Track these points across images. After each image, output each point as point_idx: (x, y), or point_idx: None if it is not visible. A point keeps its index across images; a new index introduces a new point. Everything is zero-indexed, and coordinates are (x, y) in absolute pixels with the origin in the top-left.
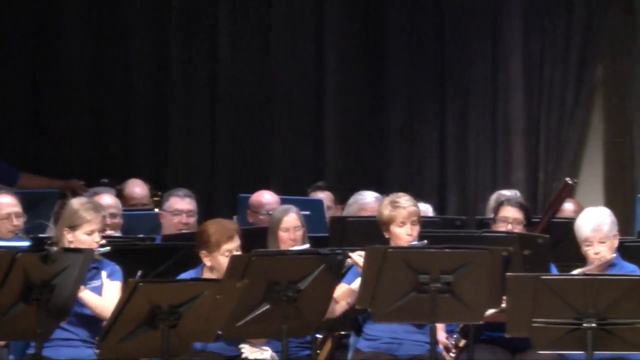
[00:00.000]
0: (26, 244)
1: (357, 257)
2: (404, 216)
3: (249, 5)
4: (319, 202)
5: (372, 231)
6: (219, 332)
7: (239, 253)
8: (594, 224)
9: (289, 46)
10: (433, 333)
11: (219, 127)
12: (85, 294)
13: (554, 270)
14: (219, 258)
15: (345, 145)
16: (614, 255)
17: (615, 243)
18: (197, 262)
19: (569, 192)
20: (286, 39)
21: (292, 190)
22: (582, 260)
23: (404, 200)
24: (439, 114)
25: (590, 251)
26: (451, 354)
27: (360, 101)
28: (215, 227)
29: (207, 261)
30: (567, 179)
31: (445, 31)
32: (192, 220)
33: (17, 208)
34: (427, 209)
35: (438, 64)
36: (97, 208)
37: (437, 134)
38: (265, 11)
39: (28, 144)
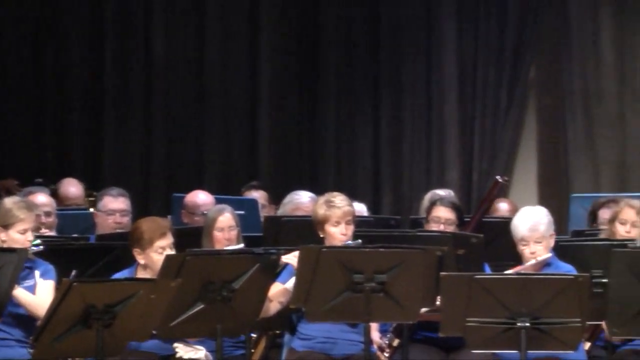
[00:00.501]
0: None
1: (292, 257)
2: (338, 216)
3: (183, 7)
4: (254, 202)
5: (306, 231)
6: (154, 332)
7: (172, 250)
8: (531, 223)
9: (224, 47)
10: (367, 332)
11: (153, 128)
12: (19, 292)
13: (487, 269)
14: (152, 255)
15: (280, 144)
16: (550, 254)
17: (552, 243)
18: (131, 262)
19: (499, 190)
20: (220, 40)
21: (226, 189)
22: (515, 259)
23: (339, 199)
24: (373, 114)
25: (526, 250)
26: (385, 354)
27: (295, 101)
28: (147, 224)
29: (141, 259)
30: (498, 177)
31: (380, 32)
32: (126, 219)
33: None
34: (362, 209)
35: (372, 65)
36: (30, 207)
37: (372, 134)
38: (200, 13)
39: None
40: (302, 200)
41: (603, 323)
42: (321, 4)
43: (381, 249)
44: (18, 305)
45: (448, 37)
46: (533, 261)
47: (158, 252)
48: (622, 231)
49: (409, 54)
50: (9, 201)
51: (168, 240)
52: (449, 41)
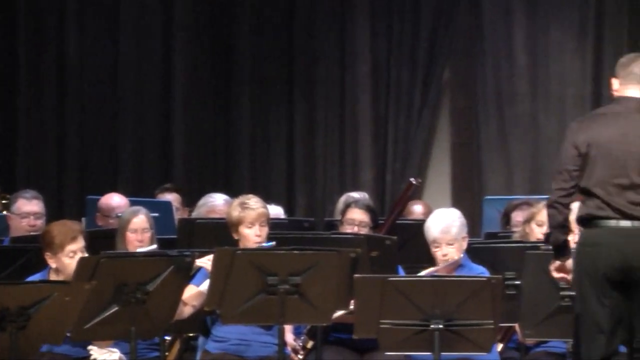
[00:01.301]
0: None
1: (206, 260)
2: (252, 218)
3: (97, 10)
4: (168, 204)
5: (221, 233)
6: (68, 334)
7: (83, 254)
8: (443, 225)
9: (137, 49)
10: (281, 334)
11: (67, 130)
12: None
13: (401, 271)
14: (64, 259)
15: (193, 146)
16: (462, 256)
17: (464, 245)
18: (45, 265)
19: (413, 192)
20: (134, 42)
21: (140, 192)
22: (429, 261)
23: (253, 201)
24: (286, 116)
25: (438, 252)
26: (299, 356)
27: (208, 102)
28: (58, 228)
29: (52, 263)
30: (412, 179)
31: (293, 32)
32: (40, 222)
33: None
34: (279, 212)
35: (286, 65)
36: None
37: (285, 135)
38: (114, 16)
39: None
40: (216, 202)
41: (516, 325)
42: (235, 3)
43: (295, 251)
44: None
45: (361, 37)
46: (446, 263)
47: (69, 256)
48: (538, 233)
49: (322, 55)
50: None
51: (79, 244)
52: (362, 42)
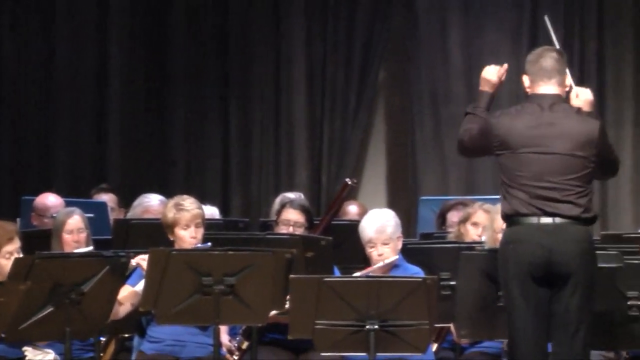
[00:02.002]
0: None
1: (141, 260)
2: (187, 219)
3: (31, 9)
4: (103, 205)
5: (156, 233)
6: (2, 335)
7: (19, 255)
8: (378, 225)
9: (72, 48)
10: (216, 335)
11: (1, 129)
12: None
13: (336, 272)
14: (0, 261)
15: (129, 147)
16: (397, 256)
17: (399, 245)
18: None
19: (348, 192)
20: (69, 41)
21: (75, 192)
22: (364, 262)
23: (188, 202)
24: (222, 116)
25: (373, 252)
26: (234, 356)
27: (143, 103)
28: None
29: None
30: (347, 179)
31: (229, 33)
32: None
33: None
34: (214, 212)
35: (221, 66)
36: None
37: (220, 136)
38: (49, 14)
39: None
40: (151, 203)
41: (451, 325)
42: (170, 4)
43: (230, 252)
44: None
45: (297, 37)
46: (381, 263)
47: (5, 257)
48: (473, 234)
49: (257, 56)
50: None
51: (15, 244)
52: (297, 42)
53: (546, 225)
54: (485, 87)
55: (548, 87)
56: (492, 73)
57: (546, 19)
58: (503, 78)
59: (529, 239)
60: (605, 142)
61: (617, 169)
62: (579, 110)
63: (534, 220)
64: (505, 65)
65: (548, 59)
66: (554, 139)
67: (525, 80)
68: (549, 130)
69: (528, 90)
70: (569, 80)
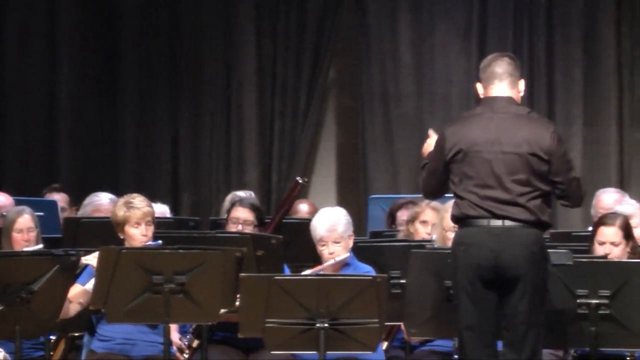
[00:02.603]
0: None
1: (92, 258)
2: (138, 217)
3: None
4: (53, 203)
5: (106, 232)
6: None
7: None
8: (329, 224)
9: (22, 48)
10: (167, 333)
11: None
12: None
13: (287, 270)
14: None
15: (79, 145)
16: (348, 255)
17: (350, 243)
18: None
19: (299, 191)
20: (19, 41)
21: (25, 191)
22: (315, 260)
23: (138, 201)
24: (172, 115)
25: (324, 251)
26: (185, 355)
27: (94, 102)
28: None
29: None
30: (298, 178)
31: (179, 31)
32: None
33: None
34: (165, 210)
35: (171, 65)
36: None
37: (171, 134)
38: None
39: None
40: (102, 201)
41: (401, 323)
42: (120, 2)
43: (180, 250)
44: None
45: (247, 36)
46: (332, 262)
47: None
48: (422, 232)
49: (207, 54)
50: None
51: None
52: (247, 40)
53: (495, 228)
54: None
55: (499, 90)
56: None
57: None
58: None
59: (478, 242)
60: (558, 146)
61: (578, 191)
62: (530, 112)
63: (483, 222)
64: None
65: (500, 63)
66: (506, 140)
67: (479, 87)
68: (501, 131)
69: (482, 96)
70: (522, 85)
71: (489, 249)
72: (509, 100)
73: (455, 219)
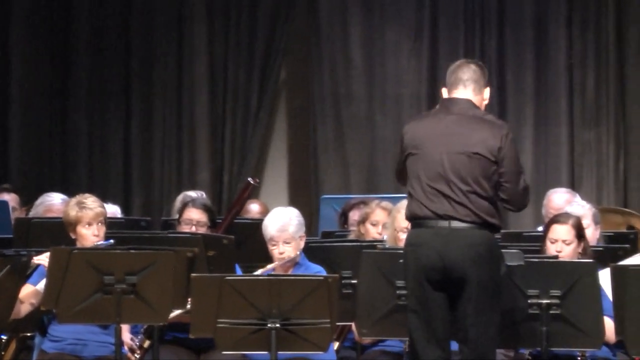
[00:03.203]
0: None
1: (43, 259)
2: (90, 217)
3: None
4: (4, 204)
5: (58, 232)
6: None
7: None
8: (280, 224)
9: None
10: (118, 334)
11: None
12: None
13: (238, 271)
14: None
15: (30, 145)
16: (299, 254)
17: (302, 244)
18: None
19: (250, 191)
20: None
21: None
22: (266, 260)
23: (90, 201)
24: (124, 116)
25: (275, 251)
26: (136, 355)
27: (45, 102)
28: None
29: None
30: (249, 178)
31: (131, 31)
32: None
33: None
34: (116, 210)
35: (123, 66)
36: None
37: (122, 134)
38: None
39: None
40: (53, 202)
41: (352, 324)
42: (71, 5)
43: (132, 251)
44: None
45: (198, 37)
46: (283, 262)
47: None
48: (373, 232)
49: (159, 55)
50: None
51: None
52: (199, 41)
53: (442, 229)
54: None
55: (461, 93)
56: None
57: None
58: None
59: (426, 243)
60: (510, 149)
61: (522, 196)
62: (485, 114)
63: (431, 223)
64: None
65: (465, 70)
66: (457, 141)
67: (444, 92)
68: (452, 132)
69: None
70: (487, 93)
71: (436, 250)
72: (467, 102)
73: (407, 217)
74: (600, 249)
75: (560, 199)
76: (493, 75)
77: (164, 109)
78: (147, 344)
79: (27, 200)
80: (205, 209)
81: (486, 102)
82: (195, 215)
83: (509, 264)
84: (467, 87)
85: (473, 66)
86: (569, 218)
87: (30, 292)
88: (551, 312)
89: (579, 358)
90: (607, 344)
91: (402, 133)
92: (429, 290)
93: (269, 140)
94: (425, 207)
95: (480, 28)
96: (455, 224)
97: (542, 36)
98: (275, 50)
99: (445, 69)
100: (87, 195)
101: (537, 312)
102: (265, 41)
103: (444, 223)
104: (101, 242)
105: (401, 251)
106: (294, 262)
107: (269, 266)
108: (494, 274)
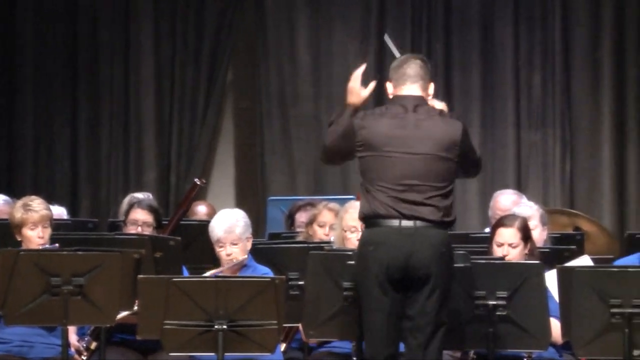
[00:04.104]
0: None
1: None
2: (35, 219)
3: None
4: None
5: (3, 234)
6: None
7: None
8: (227, 225)
9: None
10: (65, 336)
11: None
12: None
13: (185, 272)
14: None
15: None
16: (247, 257)
17: (249, 245)
18: None
19: (197, 193)
20: None
21: None
22: (214, 262)
23: (36, 203)
24: (70, 116)
25: (223, 252)
26: (83, 357)
27: None
28: None
29: None
30: (196, 179)
31: (77, 32)
32: None
33: None
34: (62, 212)
35: (69, 66)
36: None
37: (69, 136)
38: None
39: None
40: None
41: (299, 325)
42: (17, 5)
43: (79, 252)
44: None
45: (145, 37)
46: (230, 264)
47: None
48: (320, 234)
49: (106, 56)
50: None
51: None
52: (146, 42)
53: (407, 228)
54: (352, 100)
55: (411, 90)
56: (356, 83)
57: (386, 37)
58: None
59: (389, 242)
60: (468, 142)
61: (479, 168)
62: (441, 112)
63: (394, 223)
64: (363, 66)
65: (412, 64)
66: (418, 140)
67: (389, 86)
68: (413, 132)
69: (391, 95)
70: (432, 89)
71: (401, 249)
72: (420, 99)
73: (364, 216)
74: (547, 250)
75: (506, 200)
76: (440, 76)
77: (111, 110)
78: (94, 345)
79: None
80: (151, 210)
81: (431, 97)
82: (141, 216)
83: (456, 265)
84: (415, 83)
85: (419, 61)
86: (515, 220)
87: None
88: (498, 313)
89: (525, 359)
90: (553, 345)
91: (357, 123)
92: (388, 288)
93: (216, 141)
94: (389, 206)
95: (427, 29)
96: (420, 223)
97: (488, 37)
98: (222, 50)
99: None
100: (33, 197)
101: (483, 313)
102: (212, 42)
103: (409, 223)
104: (46, 246)
105: (348, 252)
106: (241, 264)
107: (217, 269)
108: (451, 274)
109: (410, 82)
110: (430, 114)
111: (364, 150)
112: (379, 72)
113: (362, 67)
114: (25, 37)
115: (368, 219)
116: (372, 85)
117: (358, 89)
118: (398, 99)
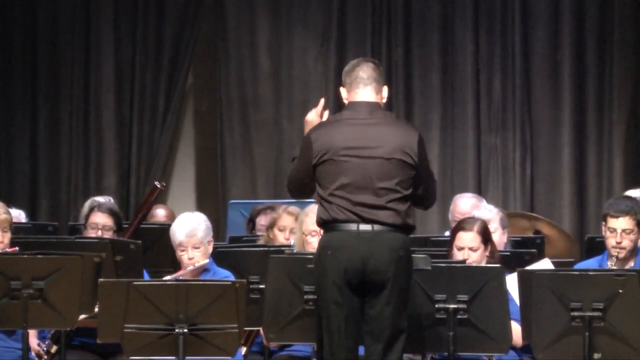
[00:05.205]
0: None
1: None
2: None
3: None
4: None
5: None
6: None
7: None
8: (188, 229)
9: None
10: (25, 339)
11: None
12: None
13: (146, 276)
14: None
15: None
16: (208, 260)
17: (210, 249)
18: None
19: (157, 196)
20: None
21: None
22: (175, 265)
23: None
24: (30, 119)
25: (184, 256)
26: None
27: None
28: None
29: None
30: (156, 182)
31: (37, 34)
32: None
33: None
34: (19, 214)
35: (29, 67)
36: None
37: (29, 138)
38: None
39: None
40: None
41: (260, 328)
42: None
43: (39, 256)
44: None
45: (105, 40)
46: (191, 267)
47: None
48: (281, 238)
49: (66, 58)
50: None
51: None
52: (106, 44)
53: (365, 232)
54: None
55: (365, 94)
56: (313, 115)
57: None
58: (325, 116)
59: (347, 246)
60: (424, 155)
61: (434, 197)
62: (397, 117)
63: (353, 227)
64: (322, 101)
65: (365, 68)
66: (375, 144)
67: (343, 92)
68: (369, 136)
69: (346, 100)
70: (385, 92)
71: (359, 253)
72: (376, 105)
73: (322, 222)
74: (507, 253)
75: (466, 203)
76: (400, 79)
77: (71, 112)
78: (54, 349)
79: None
80: (111, 213)
81: (384, 100)
82: (101, 219)
83: (416, 268)
84: (367, 87)
85: (371, 64)
86: (474, 224)
87: None
88: (458, 316)
89: None
90: (514, 348)
91: (308, 140)
92: (346, 293)
93: (176, 144)
94: (347, 210)
95: (387, 32)
96: (378, 227)
97: (448, 39)
98: (183, 53)
99: None
100: None
101: (444, 316)
102: (173, 45)
103: (367, 227)
104: (6, 249)
105: (309, 256)
106: (202, 268)
107: (178, 273)
108: (410, 278)
109: (363, 85)
110: (387, 118)
111: (320, 159)
112: (339, 75)
113: (321, 103)
114: None
115: (326, 223)
116: (326, 114)
117: (316, 121)
118: (353, 104)
